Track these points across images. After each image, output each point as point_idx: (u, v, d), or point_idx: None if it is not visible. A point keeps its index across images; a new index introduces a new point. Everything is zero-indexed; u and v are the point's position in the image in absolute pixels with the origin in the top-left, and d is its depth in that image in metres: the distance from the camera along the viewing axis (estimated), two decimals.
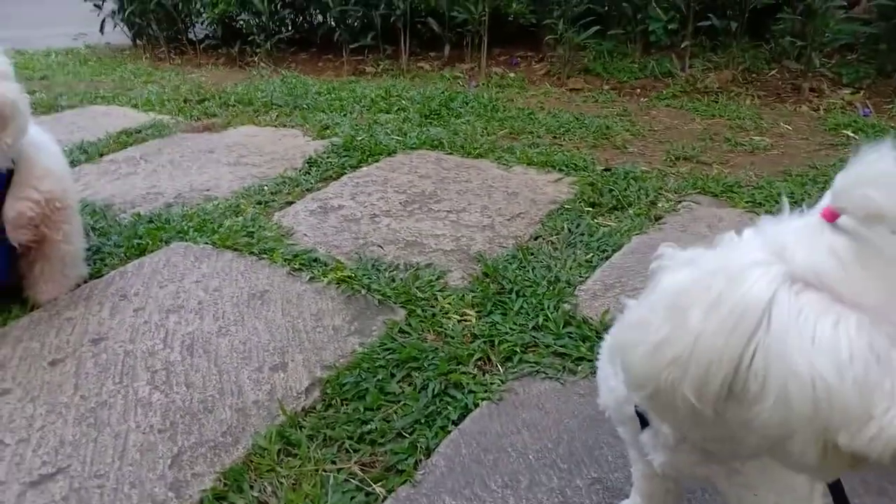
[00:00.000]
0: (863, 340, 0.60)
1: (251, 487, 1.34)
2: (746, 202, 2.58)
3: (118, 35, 6.32)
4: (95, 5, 6.06)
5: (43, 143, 1.95)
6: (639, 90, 4.36)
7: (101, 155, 3.24)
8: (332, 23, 5.30)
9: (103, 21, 6.13)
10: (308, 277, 2.08)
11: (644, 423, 0.91)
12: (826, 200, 0.68)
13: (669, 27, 4.63)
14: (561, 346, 1.70)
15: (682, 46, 4.48)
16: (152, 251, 2.25)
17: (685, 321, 0.66)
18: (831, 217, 0.65)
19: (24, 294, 1.99)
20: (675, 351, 0.67)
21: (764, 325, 0.63)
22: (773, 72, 4.45)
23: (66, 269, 2.01)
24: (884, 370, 0.59)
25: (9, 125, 1.75)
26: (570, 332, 1.75)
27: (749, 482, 0.88)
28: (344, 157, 3.13)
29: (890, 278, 0.62)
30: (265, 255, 2.21)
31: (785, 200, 0.73)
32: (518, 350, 1.70)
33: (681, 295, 0.69)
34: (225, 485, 1.35)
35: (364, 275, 2.08)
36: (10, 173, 1.81)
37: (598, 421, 1.45)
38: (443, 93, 4.20)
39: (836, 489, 0.88)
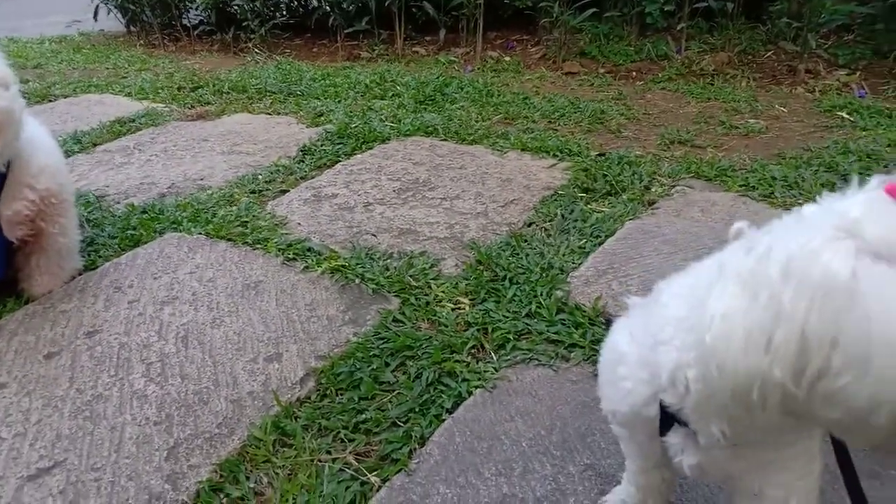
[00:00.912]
0: None
1: (247, 478, 1.35)
2: (740, 186, 2.58)
3: (112, 22, 6.28)
4: None
5: (38, 137, 1.94)
6: (634, 73, 4.35)
7: (95, 145, 3.23)
8: (327, 7, 5.27)
9: (97, 8, 6.08)
10: (302, 267, 2.09)
11: (667, 425, 0.88)
12: (885, 178, 0.69)
13: (665, 9, 4.60)
14: (554, 333, 1.70)
15: (679, 28, 4.46)
16: (146, 242, 2.25)
17: (778, 305, 0.66)
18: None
19: (19, 287, 1.99)
20: (777, 337, 0.66)
21: (850, 300, 0.64)
22: (769, 53, 4.43)
23: (61, 261, 2.01)
24: None
25: (3, 132, 1.74)
26: (563, 319, 1.75)
27: (773, 471, 0.89)
28: (338, 144, 3.12)
29: None
30: (259, 245, 2.21)
31: (855, 179, 0.73)
32: (511, 337, 1.71)
33: (763, 279, 0.69)
34: (221, 476, 1.36)
35: (358, 264, 2.08)
36: (5, 171, 1.81)
37: (590, 407, 1.46)
38: (438, 78, 4.18)
39: (849, 473, 0.88)
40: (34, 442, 1.46)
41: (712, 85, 4.01)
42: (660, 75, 4.22)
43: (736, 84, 4.03)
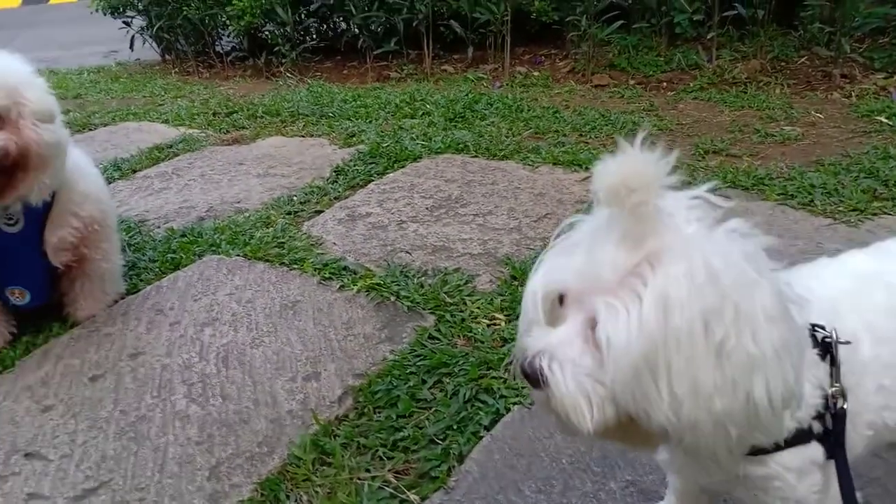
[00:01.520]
0: None
1: (287, 497, 1.36)
2: (778, 195, 2.53)
3: (147, 51, 6.45)
4: (124, 22, 6.19)
5: (81, 166, 2.00)
6: (665, 84, 4.32)
7: (135, 171, 3.32)
8: (356, 29, 5.34)
9: (133, 38, 6.26)
10: (338, 286, 2.11)
11: None
12: None
13: (695, 18, 4.57)
14: None
15: (709, 37, 4.42)
16: (186, 265, 2.30)
17: None
18: None
19: (64, 312, 2.05)
20: None
21: None
22: (803, 59, 4.36)
23: (104, 286, 2.06)
24: None
25: (48, 166, 1.80)
26: None
27: None
28: (370, 164, 3.15)
29: None
30: (296, 266, 2.24)
31: None
32: None
33: None
34: (262, 495, 1.37)
35: (393, 282, 2.10)
36: (50, 199, 1.87)
37: None
38: (467, 95, 4.20)
39: (845, 479, 0.86)
40: (80, 463, 1.49)
41: (745, 93, 3.97)
42: (691, 85, 4.19)
43: (770, 91, 3.97)
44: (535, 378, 0.76)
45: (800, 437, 0.85)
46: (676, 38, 4.84)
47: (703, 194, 0.77)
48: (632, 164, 0.72)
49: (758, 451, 0.84)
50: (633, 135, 0.75)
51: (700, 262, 0.70)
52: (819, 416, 0.85)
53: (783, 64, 4.39)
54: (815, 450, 0.86)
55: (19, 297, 1.93)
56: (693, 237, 0.73)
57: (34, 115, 1.75)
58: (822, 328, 0.87)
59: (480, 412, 1.53)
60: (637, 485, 1.30)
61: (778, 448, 0.84)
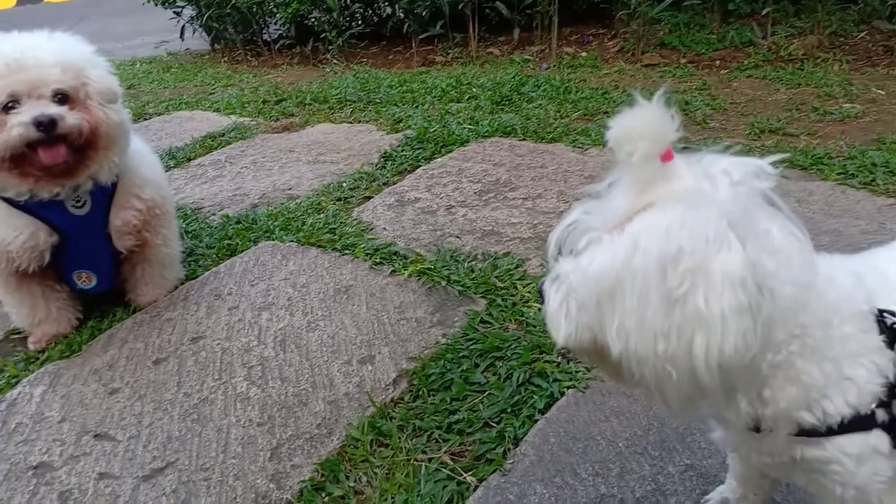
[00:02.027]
0: None
1: (347, 477, 1.39)
2: (838, 174, 2.46)
3: (197, 41, 6.57)
4: (175, 12, 6.32)
5: (142, 152, 2.06)
6: (718, 62, 4.21)
7: (189, 160, 3.40)
8: (401, 14, 5.35)
9: (183, 28, 6.38)
10: (389, 271, 2.13)
11: None
12: None
13: None
14: None
15: (763, 13, 4.28)
16: (242, 251, 2.35)
17: None
18: None
19: (127, 297, 2.12)
20: None
21: None
22: (863, 34, 4.20)
23: (165, 271, 2.12)
24: None
25: (115, 145, 1.86)
26: None
27: None
28: (418, 149, 3.16)
29: None
30: (347, 251, 2.27)
31: None
32: None
33: None
34: (322, 475, 1.40)
35: (443, 266, 2.11)
36: (114, 184, 1.93)
37: None
38: (513, 78, 4.17)
39: None
40: (147, 443, 1.55)
41: (802, 70, 3.84)
42: (745, 63, 4.07)
43: (828, 68, 3.83)
44: (540, 297, 0.87)
45: (857, 422, 0.83)
46: (729, 15, 4.71)
47: (752, 161, 0.80)
48: (642, 116, 0.77)
49: (809, 433, 0.84)
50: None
51: (678, 214, 0.74)
52: (884, 405, 0.83)
53: (842, 39, 4.23)
54: (878, 438, 0.84)
55: (86, 280, 1.99)
56: (690, 191, 0.77)
57: (100, 95, 1.80)
58: (893, 314, 0.85)
59: (534, 396, 1.54)
60: (696, 468, 1.29)
61: (832, 432, 0.83)
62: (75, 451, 1.54)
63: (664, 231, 0.73)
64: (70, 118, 1.71)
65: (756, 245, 0.75)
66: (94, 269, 1.99)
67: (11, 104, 1.69)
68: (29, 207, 1.80)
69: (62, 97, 1.74)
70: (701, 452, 1.32)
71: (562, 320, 0.83)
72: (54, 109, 1.69)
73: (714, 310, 0.71)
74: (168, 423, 1.60)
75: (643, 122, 0.77)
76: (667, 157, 0.79)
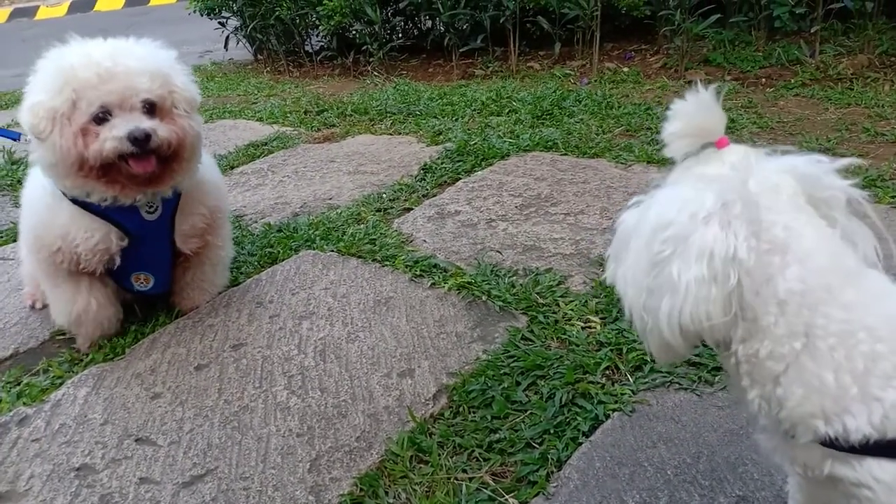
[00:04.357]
0: None
1: (386, 493, 1.37)
2: (892, 197, 2.38)
3: (240, 51, 6.68)
4: (220, 23, 6.43)
5: (204, 157, 2.08)
6: (764, 80, 4.13)
7: (232, 167, 3.43)
8: (442, 28, 5.36)
9: (227, 38, 6.49)
10: (429, 284, 2.12)
11: None
12: None
13: (796, 11, 4.35)
14: (695, 356, 1.63)
15: (812, 31, 4.19)
16: (283, 259, 2.36)
17: None
18: None
19: (170, 300, 2.13)
20: None
21: None
22: None
23: (216, 276, 2.14)
24: None
25: (196, 155, 1.90)
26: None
27: None
28: (458, 161, 3.15)
29: None
30: (388, 262, 2.26)
31: None
32: (648, 359, 1.65)
33: None
34: (361, 490, 1.39)
35: (483, 281, 2.09)
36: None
37: (739, 436, 1.38)
38: (554, 92, 4.14)
39: None
40: (188, 450, 1.55)
41: (851, 90, 3.74)
42: (792, 81, 3.99)
43: (878, 88, 3.73)
44: None
45: (884, 448, 0.81)
46: (775, 33, 4.62)
47: (806, 163, 0.88)
48: (698, 106, 0.88)
49: (835, 446, 0.83)
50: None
51: (683, 191, 0.85)
52: None
53: (893, 59, 4.12)
54: None
55: (144, 283, 2.00)
56: (709, 175, 0.87)
57: (185, 103, 1.83)
58: None
59: (578, 417, 1.50)
60: (749, 500, 1.24)
61: (858, 450, 0.82)
62: (117, 455, 1.55)
63: (665, 202, 0.85)
64: (161, 131, 1.74)
65: (747, 232, 0.80)
66: (153, 271, 2.00)
67: (103, 114, 1.71)
68: (103, 211, 1.82)
69: (150, 107, 1.76)
70: (753, 484, 1.27)
71: (609, 263, 0.94)
72: (147, 123, 1.71)
73: (682, 277, 0.80)
74: (208, 430, 1.60)
75: (700, 111, 0.87)
76: (721, 143, 0.88)
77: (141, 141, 1.70)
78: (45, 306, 2.12)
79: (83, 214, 1.82)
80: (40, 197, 1.86)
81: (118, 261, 1.89)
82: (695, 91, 0.88)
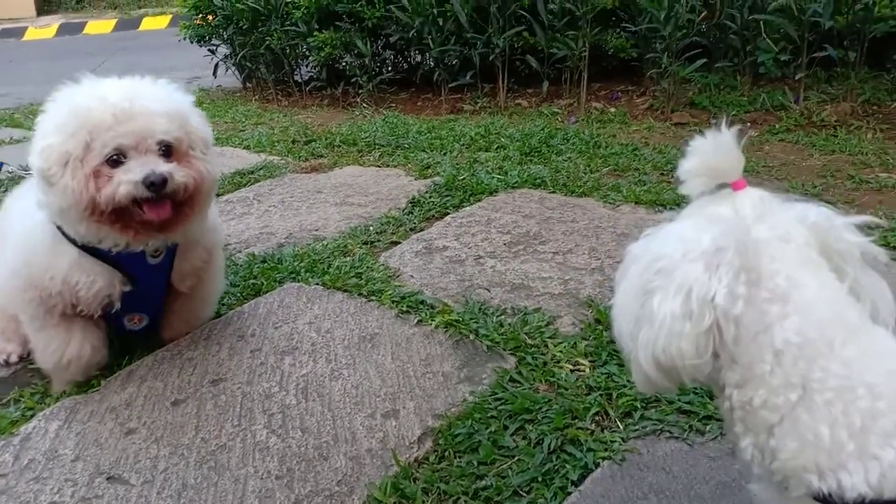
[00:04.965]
0: None
1: None
2: (878, 245, 2.39)
3: (229, 78, 6.67)
4: (210, 50, 6.43)
5: None
6: (749, 124, 4.19)
7: (218, 195, 3.38)
8: (431, 63, 5.41)
9: (216, 65, 6.49)
10: (416, 320, 2.08)
11: None
12: None
13: (781, 58, 4.45)
14: (686, 403, 1.60)
15: (796, 78, 4.28)
16: (267, 291, 2.32)
17: None
18: None
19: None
20: None
21: None
22: None
23: (203, 309, 2.09)
24: None
25: (210, 201, 1.84)
26: (696, 388, 1.65)
27: None
28: (446, 196, 3.14)
29: None
30: (374, 297, 2.22)
31: None
32: (638, 405, 1.62)
33: None
34: None
35: (471, 319, 2.06)
36: None
37: (731, 488, 1.35)
38: (542, 129, 4.17)
39: None
40: (161, 490, 1.49)
41: (835, 136, 3.80)
42: (776, 126, 4.05)
43: (861, 136, 3.80)
44: None
45: None
46: (760, 78, 4.72)
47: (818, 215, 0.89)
48: (717, 148, 0.88)
49: (824, 500, 0.81)
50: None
51: (683, 228, 0.87)
52: None
53: (875, 108, 4.21)
54: None
55: (137, 322, 1.95)
56: (713, 215, 0.89)
57: (202, 145, 1.77)
58: None
59: (567, 465, 1.47)
60: None
61: None
62: (87, 494, 1.49)
63: (666, 236, 0.87)
64: (178, 176, 1.66)
65: (733, 278, 0.81)
66: (148, 311, 1.95)
67: (117, 157, 1.63)
68: (106, 256, 1.75)
69: (167, 149, 1.69)
70: None
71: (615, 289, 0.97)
72: (164, 167, 1.63)
73: (661, 309, 0.82)
74: (184, 470, 1.54)
75: (718, 151, 0.89)
76: (737, 186, 0.89)
77: (157, 185, 1.62)
78: (21, 359, 2.03)
79: (87, 259, 1.74)
80: (38, 236, 1.76)
81: (118, 305, 1.82)
82: (715, 131, 0.89)
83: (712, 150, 0.89)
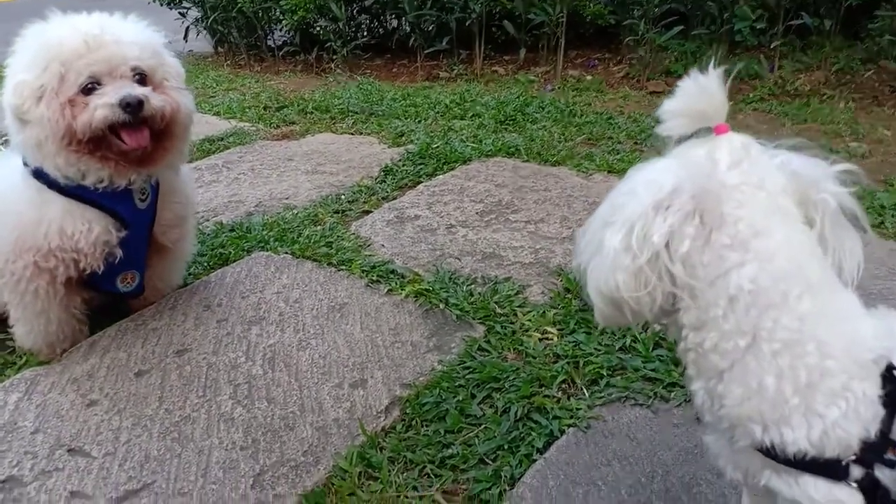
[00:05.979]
0: None
1: None
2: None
3: (201, 42, 6.51)
4: (180, 13, 6.26)
5: None
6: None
7: (186, 162, 3.32)
8: (407, 28, 5.31)
9: (187, 29, 6.32)
10: (386, 290, 2.07)
11: None
12: None
13: (757, 27, 4.42)
14: (651, 370, 1.61)
15: (772, 46, 4.27)
16: (234, 260, 2.28)
17: None
18: None
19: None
20: None
21: None
22: (870, 73, 4.19)
23: (171, 275, 2.06)
24: None
25: (187, 133, 1.81)
26: (661, 355, 1.66)
27: None
28: (419, 164, 3.11)
29: None
30: (344, 267, 2.20)
31: None
32: (604, 373, 1.63)
33: None
34: None
35: (441, 288, 2.04)
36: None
37: (694, 455, 1.36)
38: (518, 97, 4.13)
39: None
40: (123, 462, 1.47)
41: (808, 106, 3.81)
42: (751, 95, 4.05)
43: (833, 105, 3.81)
44: None
45: (824, 467, 0.82)
46: (736, 46, 4.70)
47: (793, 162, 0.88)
48: (702, 89, 0.86)
49: (771, 455, 0.83)
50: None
51: (649, 169, 0.87)
52: (865, 463, 0.81)
53: (848, 77, 4.22)
54: (848, 495, 0.82)
55: (130, 282, 1.89)
56: (682, 158, 0.87)
57: (176, 77, 1.74)
58: None
59: (533, 433, 1.47)
60: None
61: (793, 464, 0.82)
62: (47, 466, 1.46)
63: (634, 176, 0.88)
64: (155, 100, 1.63)
65: (682, 221, 0.81)
66: (138, 268, 1.89)
67: (91, 85, 1.60)
68: (97, 199, 1.69)
69: (141, 77, 1.66)
70: None
71: None
72: (140, 90, 1.61)
73: (608, 242, 0.84)
74: (147, 441, 1.52)
75: (702, 93, 0.85)
76: (720, 129, 0.86)
77: (134, 107, 1.58)
78: None
79: (77, 205, 1.68)
80: (19, 192, 1.71)
81: (119, 254, 1.76)
82: (701, 72, 0.86)
83: (697, 91, 0.86)
